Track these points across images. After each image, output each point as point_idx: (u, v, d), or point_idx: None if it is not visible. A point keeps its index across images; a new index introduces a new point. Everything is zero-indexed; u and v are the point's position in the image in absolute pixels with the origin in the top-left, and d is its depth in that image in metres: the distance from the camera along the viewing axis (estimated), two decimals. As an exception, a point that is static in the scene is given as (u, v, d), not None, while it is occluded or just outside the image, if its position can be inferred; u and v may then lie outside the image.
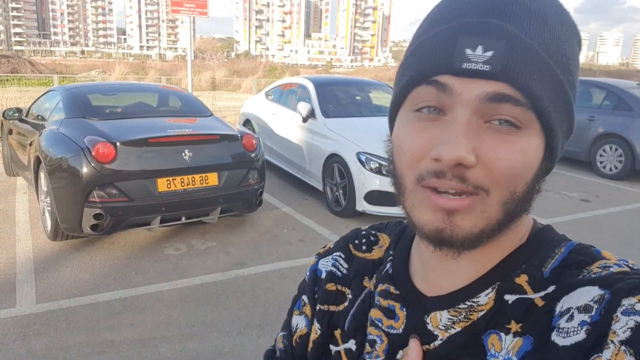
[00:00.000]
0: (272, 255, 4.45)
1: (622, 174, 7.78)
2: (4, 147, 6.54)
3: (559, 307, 0.49)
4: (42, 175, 4.49)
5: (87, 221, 4.02)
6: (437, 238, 0.51)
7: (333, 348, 0.67)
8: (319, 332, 0.69)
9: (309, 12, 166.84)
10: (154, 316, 3.35)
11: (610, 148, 7.97)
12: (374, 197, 5.06)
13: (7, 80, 20.33)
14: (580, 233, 5.29)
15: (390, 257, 0.66)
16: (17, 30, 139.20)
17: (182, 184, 4.32)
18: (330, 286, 0.70)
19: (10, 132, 6.04)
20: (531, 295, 0.52)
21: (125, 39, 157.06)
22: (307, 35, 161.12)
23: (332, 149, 5.57)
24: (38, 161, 4.52)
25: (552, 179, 7.59)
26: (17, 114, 5.68)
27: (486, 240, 0.52)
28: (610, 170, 7.94)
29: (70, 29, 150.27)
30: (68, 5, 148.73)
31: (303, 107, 6.18)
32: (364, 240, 0.72)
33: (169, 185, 4.25)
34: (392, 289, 0.62)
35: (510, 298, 0.53)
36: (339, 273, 0.71)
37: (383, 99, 7.59)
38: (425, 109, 0.51)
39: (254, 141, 4.88)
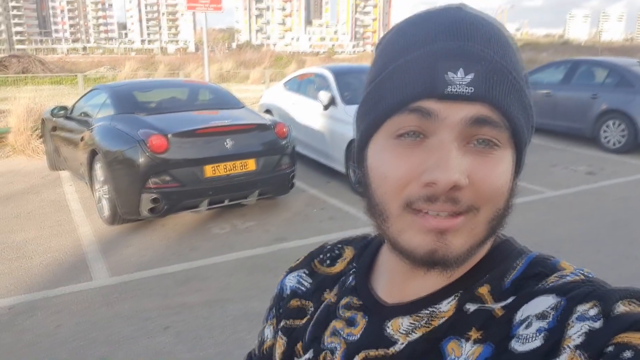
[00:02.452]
0: (308, 231, 4.94)
1: (625, 148, 8.21)
2: (47, 144, 7.02)
3: (518, 316, 0.51)
4: (97, 166, 4.98)
5: (145, 205, 4.53)
6: (430, 260, 0.51)
7: None
8: (284, 346, 0.71)
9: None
10: (215, 283, 3.86)
11: (614, 123, 8.38)
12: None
13: (20, 80, 20.80)
14: (587, 203, 5.76)
15: (353, 270, 0.69)
16: (18, 29, 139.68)
17: (226, 170, 4.80)
18: (294, 302, 0.73)
19: (54, 129, 6.52)
20: (491, 305, 0.54)
21: (126, 34, 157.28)
22: (308, 22, 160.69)
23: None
24: (93, 153, 5.01)
25: (560, 155, 8.13)
26: (62, 112, 6.17)
27: (472, 257, 0.54)
28: (614, 144, 8.37)
29: (71, 25, 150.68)
30: (68, 2, 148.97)
31: (324, 96, 6.62)
32: (328, 255, 0.75)
33: (214, 171, 4.74)
34: (355, 300, 0.64)
35: (470, 307, 0.54)
36: (302, 288, 0.73)
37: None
38: (406, 135, 0.51)
39: (285, 129, 5.35)
